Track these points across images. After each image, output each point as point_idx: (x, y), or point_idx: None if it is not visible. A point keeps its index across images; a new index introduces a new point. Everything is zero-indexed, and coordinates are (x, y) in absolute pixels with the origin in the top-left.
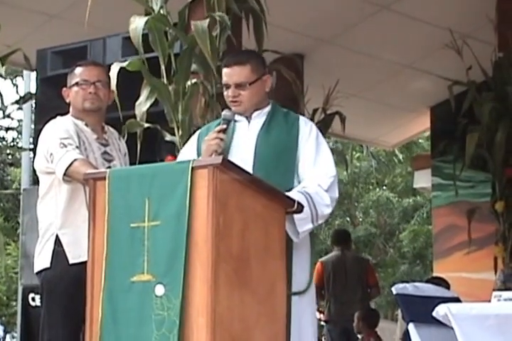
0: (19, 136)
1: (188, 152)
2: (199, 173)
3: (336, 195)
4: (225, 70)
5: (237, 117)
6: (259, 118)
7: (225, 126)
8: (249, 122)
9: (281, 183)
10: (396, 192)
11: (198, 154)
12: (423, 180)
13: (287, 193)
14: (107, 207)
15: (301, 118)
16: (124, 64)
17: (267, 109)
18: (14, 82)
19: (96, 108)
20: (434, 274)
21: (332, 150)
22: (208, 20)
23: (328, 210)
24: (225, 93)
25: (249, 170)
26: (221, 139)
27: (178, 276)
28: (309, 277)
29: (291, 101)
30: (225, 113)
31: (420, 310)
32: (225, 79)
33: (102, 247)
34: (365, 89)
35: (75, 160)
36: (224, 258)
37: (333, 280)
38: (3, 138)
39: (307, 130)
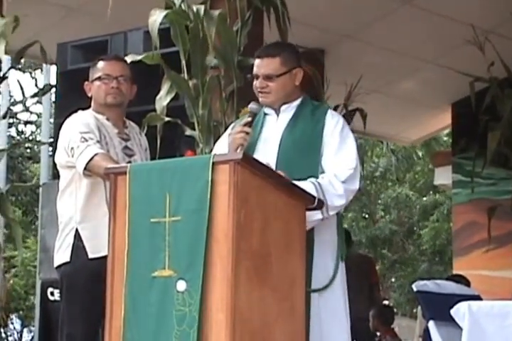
0: (38, 130)
1: (220, 146)
2: (220, 168)
3: (355, 186)
4: (256, 61)
5: (267, 110)
6: (288, 112)
7: (250, 119)
8: (277, 116)
9: (304, 178)
10: (416, 190)
11: None
12: (444, 176)
13: (297, 182)
14: (128, 201)
15: (329, 111)
16: (140, 57)
17: (297, 102)
18: (33, 75)
19: (118, 103)
20: (454, 272)
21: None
22: (220, 10)
23: (340, 201)
24: (254, 84)
25: (273, 164)
26: (246, 133)
27: (198, 272)
28: (332, 273)
29: (312, 97)
30: (251, 106)
31: (441, 308)
32: (255, 69)
33: (123, 242)
34: (386, 84)
35: (96, 154)
36: (244, 254)
37: None
38: (22, 132)
39: (333, 123)
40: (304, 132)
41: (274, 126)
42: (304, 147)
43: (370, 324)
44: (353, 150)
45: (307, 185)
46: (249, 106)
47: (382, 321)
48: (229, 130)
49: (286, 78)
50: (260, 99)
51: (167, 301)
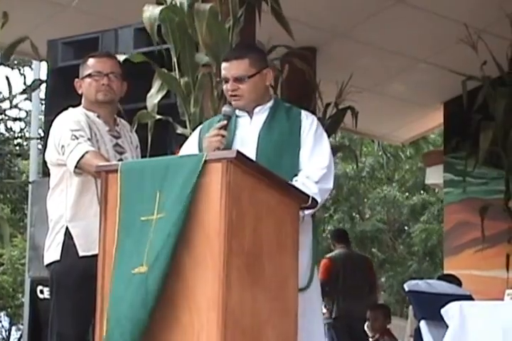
0: (27, 126)
1: (189, 147)
2: (212, 167)
3: (329, 186)
4: (223, 65)
5: (239, 113)
6: (261, 113)
7: (225, 122)
8: (251, 118)
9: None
10: (405, 189)
11: (200, 150)
12: (435, 176)
13: None
14: (119, 200)
15: (303, 112)
16: (124, 57)
17: (269, 104)
18: (22, 72)
19: (109, 100)
20: (445, 271)
21: (339, 145)
22: (210, 4)
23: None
24: (223, 87)
25: None
26: (222, 136)
27: (163, 267)
28: (310, 273)
29: (304, 95)
30: (225, 108)
31: (432, 308)
32: (223, 73)
33: (113, 240)
34: (377, 83)
35: (87, 152)
36: (236, 252)
37: (343, 277)
38: (11, 129)
39: (308, 124)
40: (281, 133)
41: (249, 128)
42: (282, 148)
43: (367, 324)
44: (326, 150)
45: None
46: (223, 109)
47: (380, 321)
48: (196, 132)
49: (257, 79)
50: (233, 103)
51: (138, 297)
